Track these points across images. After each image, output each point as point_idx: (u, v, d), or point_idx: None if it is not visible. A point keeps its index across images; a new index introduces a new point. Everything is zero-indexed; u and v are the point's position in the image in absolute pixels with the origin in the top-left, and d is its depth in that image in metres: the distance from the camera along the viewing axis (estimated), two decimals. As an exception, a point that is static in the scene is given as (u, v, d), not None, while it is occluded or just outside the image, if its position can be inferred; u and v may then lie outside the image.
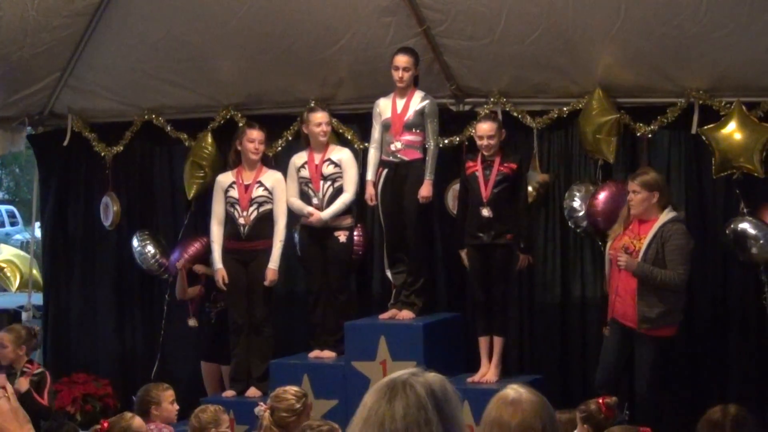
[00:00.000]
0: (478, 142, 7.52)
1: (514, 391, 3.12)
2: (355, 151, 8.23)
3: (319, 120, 7.93)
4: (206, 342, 8.58)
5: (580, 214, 7.87)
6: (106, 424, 5.34)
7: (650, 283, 6.90)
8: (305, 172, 7.95)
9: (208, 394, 8.20)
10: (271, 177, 8.07)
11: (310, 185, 7.94)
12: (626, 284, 7.02)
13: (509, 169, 7.43)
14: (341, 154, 7.98)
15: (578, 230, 7.97)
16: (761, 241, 7.33)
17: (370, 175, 7.88)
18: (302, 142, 8.13)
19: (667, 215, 7.03)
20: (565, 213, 7.99)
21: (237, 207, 8.00)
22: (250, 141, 8.00)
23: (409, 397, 2.27)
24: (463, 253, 7.64)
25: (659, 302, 6.92)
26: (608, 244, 7.21)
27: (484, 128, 7.46)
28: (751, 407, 5.42)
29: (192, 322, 8.56)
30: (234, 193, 8.03)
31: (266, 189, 8.00)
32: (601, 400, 5.72)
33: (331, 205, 7.87)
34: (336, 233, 7.90)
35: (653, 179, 7.08)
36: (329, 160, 7.93)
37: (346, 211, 7.95)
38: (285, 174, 8.08)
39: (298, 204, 7.96)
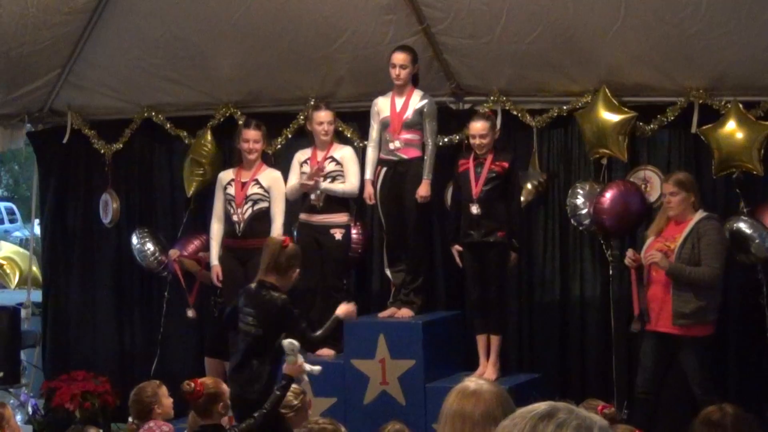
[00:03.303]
0: (471, 141, 7.57)
1: (473, 382, 3.11)
2: (355, 149, 8.24)
3: (321, 119, 7.95)
4: (210, 338, 8.59)
5: (583, 211, 7.88)
6: (201, 389, 5.48)
7: (683, 280, 6.85)
8: (307, 168, 7.97)
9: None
10: (268, 175, 8.10)
11: (310, 181, 7.97)
12: (658, 290, 6.99)
13: (500, 168, 7.44)
14: (343, 152, 8.01)
15: (581, 228, 7.98)
16: (757, 241, 7.33)
17: (368, 174, 7.89)
18: (308, 138, 8.15)
19: (702, 213, 7.02)
20: (567, 211, 7.99)
21: (233, 204, 8.04)
22: (245, 141, 8.08)
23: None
24: (455, 250, 7.65)
25: (694, 298, 6.85)
26: (641, 253, 7.13)
27: (477, 127, 7.49)
28: (750, 406, 5.41)
29: (191, 313, 8.54)
30: (231, 190, 8.08)
31: (262, 187, 8.03)
32: (600, 408, 5.65)
33: (331, 187, 7.88)
34: (332, 231, 7.90)
35: (688, 179, 7.09)
36: (331, 157, 7.95)
37: (343, 208, 7.96)
38: (285, 171, 8.11)
39: (293, 185, 7.97)
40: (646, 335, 7.14)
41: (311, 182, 7.83)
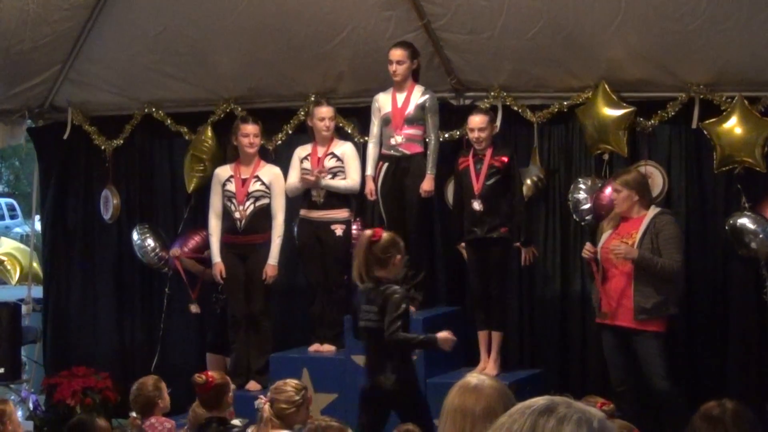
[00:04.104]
0: (469, 135, 7.58)
1: (475, 378, 3.12)
2: (356, 145, 8.23)
3: (322, 114, 7.94)
4: (212, 333, 8.60)
5: (586, 207, 7.88)
6: (212, 380, 5.66)
7: (650, 271, 6.93)
8: (307, 164, 7.96)
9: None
10: (269, 172, 8.09)
11: (311, 177, 7.95)
12: (617, 284, 7.06)
13: (500, 163, 7.46)
14: (344, 148, 8.00)
15: (582, 223, 7.98)
16: (761, 236, 7.34)
17: (369, 170, 7.89)
18: (309, 134, 8.15)
19: (656, 209, 7.15)
20: (570, 206, 8.00)
21: (234, 201, 8.02)
22: (245, 135, 8.05)
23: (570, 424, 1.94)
24: (460, 247, 7.65)
25: (655, 293, 6.96)
26: (598, 246, 7.20)
27: (476, 121, 7.50)
28: (750, 402, 5.41)
29: (194, 308, 8.54)
30: (231, 187, 8.05)
31: (263, 183, 8.02)
32: (599, 405, 5.63)
33: (332, 183, 7.87)
34: (333, 227, 7.90)
35: (632, 178, 7.21)
36: (332, 153, 7.94)
37: (344, 204, 7.96)
38: (285, 167, 8.10)
39: (293, 183, 7.96)
40: (604, 330, 7.21)
41: (312, 177, 7.83)
